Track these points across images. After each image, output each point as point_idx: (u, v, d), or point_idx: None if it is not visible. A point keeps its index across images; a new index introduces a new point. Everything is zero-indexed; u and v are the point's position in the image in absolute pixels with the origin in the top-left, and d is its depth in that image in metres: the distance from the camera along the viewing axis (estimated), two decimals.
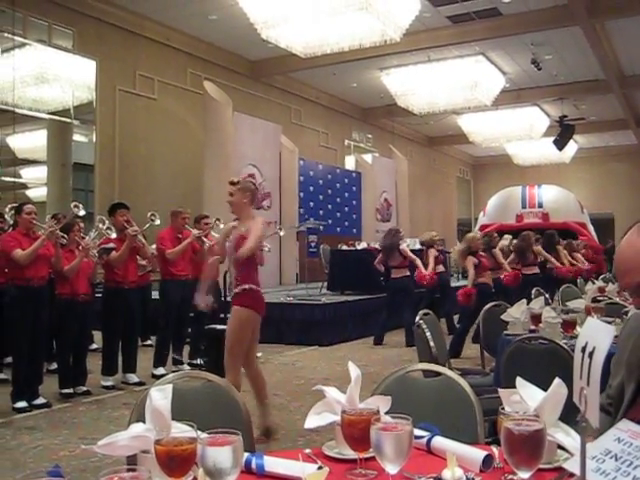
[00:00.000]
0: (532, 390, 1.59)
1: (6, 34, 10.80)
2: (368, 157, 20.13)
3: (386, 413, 1.55)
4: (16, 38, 10.94)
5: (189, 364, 7.67)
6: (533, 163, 24.14)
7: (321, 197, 16.42)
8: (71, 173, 12.26)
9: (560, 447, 1.55)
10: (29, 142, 12.15)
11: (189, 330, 7.89)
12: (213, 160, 12.56)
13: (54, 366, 6.99)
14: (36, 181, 12.01)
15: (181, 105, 14.10)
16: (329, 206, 16.66)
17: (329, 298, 10.63)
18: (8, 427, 5.26)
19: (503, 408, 1.58)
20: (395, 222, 19.55)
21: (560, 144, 19.28)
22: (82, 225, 6.93)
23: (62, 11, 11.60)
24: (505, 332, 4.30)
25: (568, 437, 1.51)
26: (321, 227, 13.49)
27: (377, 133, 21.79)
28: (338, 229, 16.77)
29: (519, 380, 1.62)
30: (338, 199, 17.15)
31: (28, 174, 12.11)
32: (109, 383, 6.74)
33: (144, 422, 1.50)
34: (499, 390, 1.66)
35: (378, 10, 10.56)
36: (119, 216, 6.78)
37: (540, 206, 20.63)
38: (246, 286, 4.78)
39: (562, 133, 19.09)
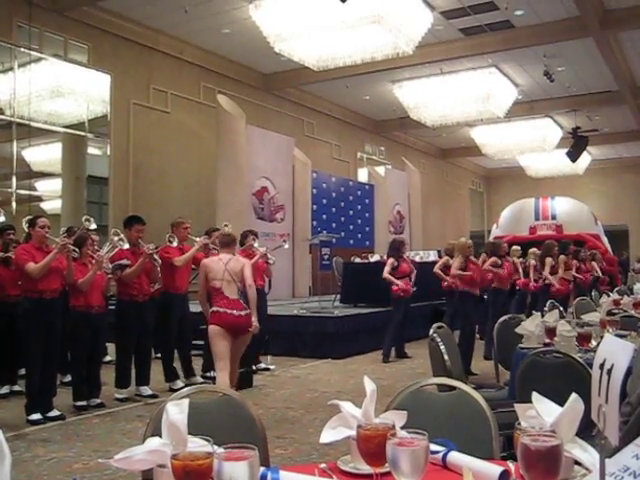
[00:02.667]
0: (548, 405, 1.58)
1: (22, 49, 10.93)
2: (381, 169, 20.15)
3: (402, 428, 1.55)
4: (32, 53, 11.08)
5: (202, 377, 7.67)
6: (546, 175, 24.09)
7: (334, 210, 16.44)
8: (85, 186, 12.36)
9: (577, 463, 1.53)
10: (44, 155, 12.25)
11: (202, 343, 7.90)
12: (226, 173, 12.62)
13: (68, 378, 7.01)
14: (51, 194, 12.10)
15: (194, 118, 14.19)
16: (342, 218, 16.68)
17: (342, 311, 10.62)
18: (22, 439, 5.28)
19: (519, 423, 1.57)
20: (408, 234, 19.54)
21: (573, 156, 19.21)
22: (96, 238, 6.97)
23: (77, 26, 11.75)
24: (520, 345, 4.28)
25: (585, 453, 1.50)
26: (334, 240, 13.50)
27: (390, 145, 21.82)
28: (351, 241, 16.77)
29: (535, 395, 1.61)
30: (351, 211, 17.16)
31: (43, 187, 12.21)
32: (122, 396, 6.75)
33: (160, 436, 1.50)
34: (515, 405, 1.65)
35: (390, 23, 10.62)
36: (135, 231, 6.79)
37: (554, 218, 20.53)
38: None
39: (575, 145, 19.03)
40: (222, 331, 5.63)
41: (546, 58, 14.60)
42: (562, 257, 10.93)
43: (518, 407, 1.63)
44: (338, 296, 12.04)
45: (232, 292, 5.69)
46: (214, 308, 5.66)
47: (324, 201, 16.02)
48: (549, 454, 1.30)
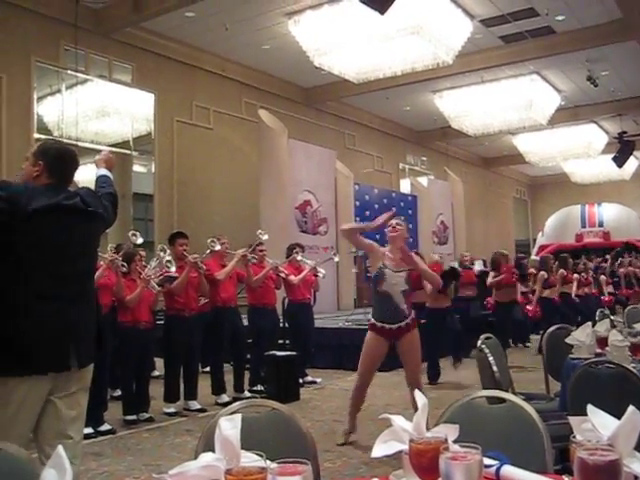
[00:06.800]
0: (604, 418, 1.55)
1: (69, 71, 11.21)
2: (423, 180, 20.05)
3: (454, 441, 1.54)
4: (79, 75, 11.36)
5: (250, 391, 7.70)
6: (592, 181, 23.64)
7: None
8: (131, 203, 12.57)
9: (637, 478, 1.50)
10: (91, 174, 12.48)
11: (248, 356, 7.94)
12: (269, 187, 12.70)
13: (118, 393, 7.11)
14: None
15: (237, 134, 14.33)
16: (386, 230, 16.58)
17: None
18: None
19: (574, 436, 1.54)
20: (452, 244, 19.39)
21: (620, 161, 18.85)
22: (143, 254, 7.08)
23: (121, 47, 12.01)
24: (570, 356, 4.21)
25: None
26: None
27: (432, 156, 21.71)
28: None
29: (590, 407, 1.58)
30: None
31: None
32: (171, 410, 6.81)
33: (213, 451, 1.52)
34: (569, 418, 1.62)
35: (430, 34, 10.61)
36: (178, 245, 6.90)
37: (601, 225, 20.24)
38: (413, 313, 5.47)
39: (621, 150, 18.67)
40: None
41: (589, 63, 14.39)
42: (561, 271, 10.74)
43: (573, 420, 1.60)
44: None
45: None
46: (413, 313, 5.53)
47: (367, 213, 15.96)
48: (608, 469, 1.27)
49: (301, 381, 8.08)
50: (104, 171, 3.54)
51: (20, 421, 2.75)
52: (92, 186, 3.49)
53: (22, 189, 2.88)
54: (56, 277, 2.86)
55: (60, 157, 3.06)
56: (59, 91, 11.22)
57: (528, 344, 11.92)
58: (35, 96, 10.84)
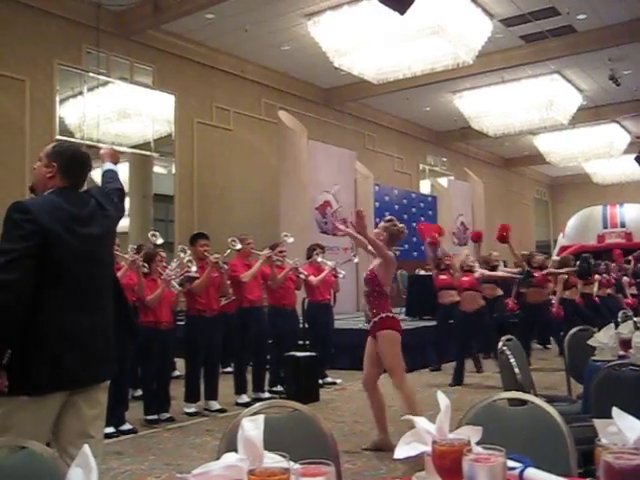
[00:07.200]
0: (630, 421, 1.53)
1: (91, 74, 11.32)
2: (443, 181, 19.97)
3: (477, 444, 1.53)
4: (100, 77, 11.46)
5: (269, 392, 7.70)
6: (614, 181, 23.42)
7: None
8: (152, 204, 12.66)
9: None
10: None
11: (268, 357, 7.95)
12: (289, 188, 12.72)
13: (139, 393, 7.15)
14: None
15: (256, 135, 14.37)
16: (405, 231, 16.52)
17: (407, 324, 10.50)
18: None
19: (599, 439, 1.53)
20: (472, 246, 19.25)
21: None
22: (164, 255, 7.12)
23: (143, 50, 12.10)
24: (592, 358, 4.17)
25: None
26: (397, 252, 13.40)
27: (452, 156, 21.62)
28: (415, 254, 16.61)
29: (616, 410, 1.56)
30: (414, 224, 17.01)
31: None
32: (192, 410, 6.84)
33: (235, 451, 1.52)
34: (594, 420, 1.61)
35: (450, 34, 10.58)
36: (199, 246, 6.92)
37: (623, 226, 19.98)
38: (383, 314, 5.35)
39: None
40: (399, 338, 5.43)
41: (611, 62, 14.25)
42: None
43: (598, 422, 1.58)
44: (403, 309, 11.94)
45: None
46: (388, 314, 5.39)
47: (387, 214, 15.90)
48: (634, 473, 1.26)
49: (321, 382, 8.07)
50: (110, 165, 3.51)
51: (40, 425, 2.74)
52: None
53: (39, 206, 2.82)
54: (86, 287, 2.83)
55: (75, 159, 3.04)
56: (81, 93, 11.33)
57: (549, 345, 11.84)
58: (57, 98, 10.94)
